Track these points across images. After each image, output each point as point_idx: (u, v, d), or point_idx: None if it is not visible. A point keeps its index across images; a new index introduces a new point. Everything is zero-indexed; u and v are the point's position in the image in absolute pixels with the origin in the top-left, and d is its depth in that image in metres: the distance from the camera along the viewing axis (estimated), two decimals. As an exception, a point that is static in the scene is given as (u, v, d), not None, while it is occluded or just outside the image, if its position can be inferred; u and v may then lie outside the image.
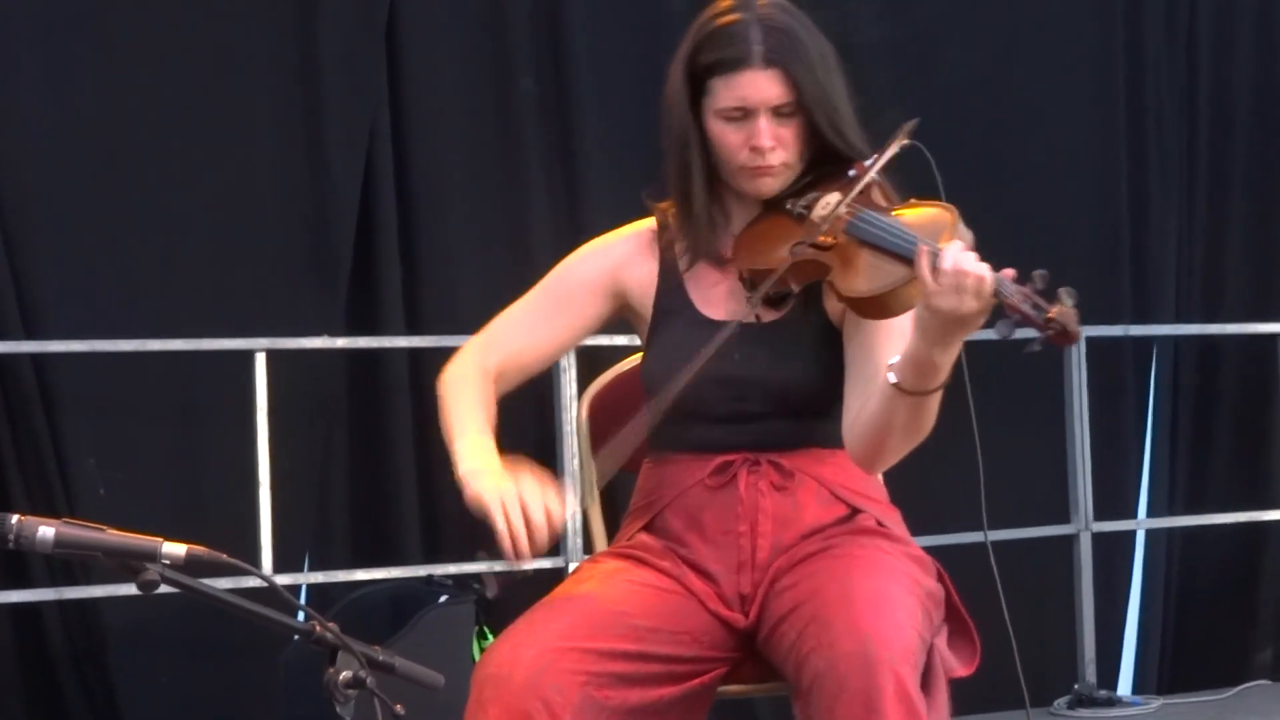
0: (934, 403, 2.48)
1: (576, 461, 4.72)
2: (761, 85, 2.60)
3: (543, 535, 2.53)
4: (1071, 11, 5.95)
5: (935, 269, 2.35)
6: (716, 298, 2.72)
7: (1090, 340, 5.58)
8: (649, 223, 2.82)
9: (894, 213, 2.56)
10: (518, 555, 2.51)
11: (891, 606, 2.44)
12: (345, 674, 1.98)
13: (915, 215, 2.55)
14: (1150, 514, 5.89)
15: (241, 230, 4.84)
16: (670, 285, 2.75)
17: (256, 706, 4.59)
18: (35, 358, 4.53)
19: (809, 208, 2.61)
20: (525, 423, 5.01)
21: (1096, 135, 5.95)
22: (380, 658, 2.02)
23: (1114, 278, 5.91)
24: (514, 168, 5.14)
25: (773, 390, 2.64)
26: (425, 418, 4.97)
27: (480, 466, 2.60)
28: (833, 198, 2.58)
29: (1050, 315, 2.35)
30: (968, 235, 2.48)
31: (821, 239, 2.55)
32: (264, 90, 4.88)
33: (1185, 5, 6.07)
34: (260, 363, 4.55)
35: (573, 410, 4.76)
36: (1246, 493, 6.01)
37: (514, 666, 2.45)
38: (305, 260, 4.89)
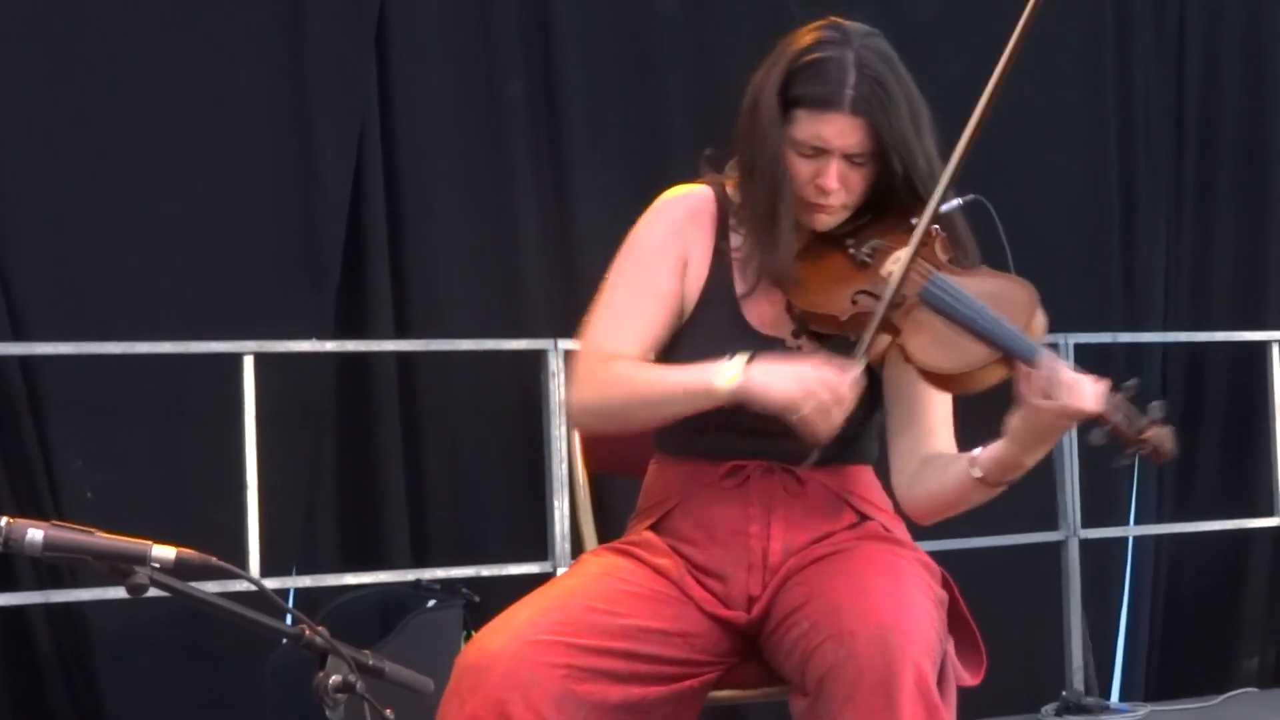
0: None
1: (565, 466, 4.73)
2: (845, 131, 2.58)
3: (840, 417, 2.49)
4: (1061, 21, 5.95)
5: (1032, 379, 2.41)
6: (764, 306, 2.68)
7: (1079, 347, 5.59)
8: (707, 194, 2.75)
9: (963, 278, 2.54)
10: (820, 442, 2.50)
11: (910, 602, 2.44)
12: (335, 678, 1.97)
13: (989, 287, 2.53)
14: (1139, 521, 5.89)
15: (231, 233, 4.83)
16: (720, 275, 2.70)
17: (245, 711, 4.58)
18: (23, 360, 4.51)
19: (873, 256, 2.58)
20: (511, 428, 5.02)
21: (1086, 144, 5.96)
22: (370, 662, 2.02)
23: (1103, 285, 5.92)
24: (503, 172, 5.14)
25: None
26: (413, 421, 4.97)
27: (761, 373, 2.50)
28: (902, 254, 2.54)
29: (1144, 435, 2.39)
30: (1043, 320, 2.51)
31: (894, 298, 2.51)
32: (254, 93, 4.88)
33: (1174, 16, 6.09)
34: (248, 365, 4.54)
35: (562, 414, 4.76)
36: (1234, 500, 6.02)
37: (494, 658, 2.45)
38: (295, 264, 4.88)
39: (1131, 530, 5.82)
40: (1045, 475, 5.58)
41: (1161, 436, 2.38)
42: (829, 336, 2.60)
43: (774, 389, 2.48)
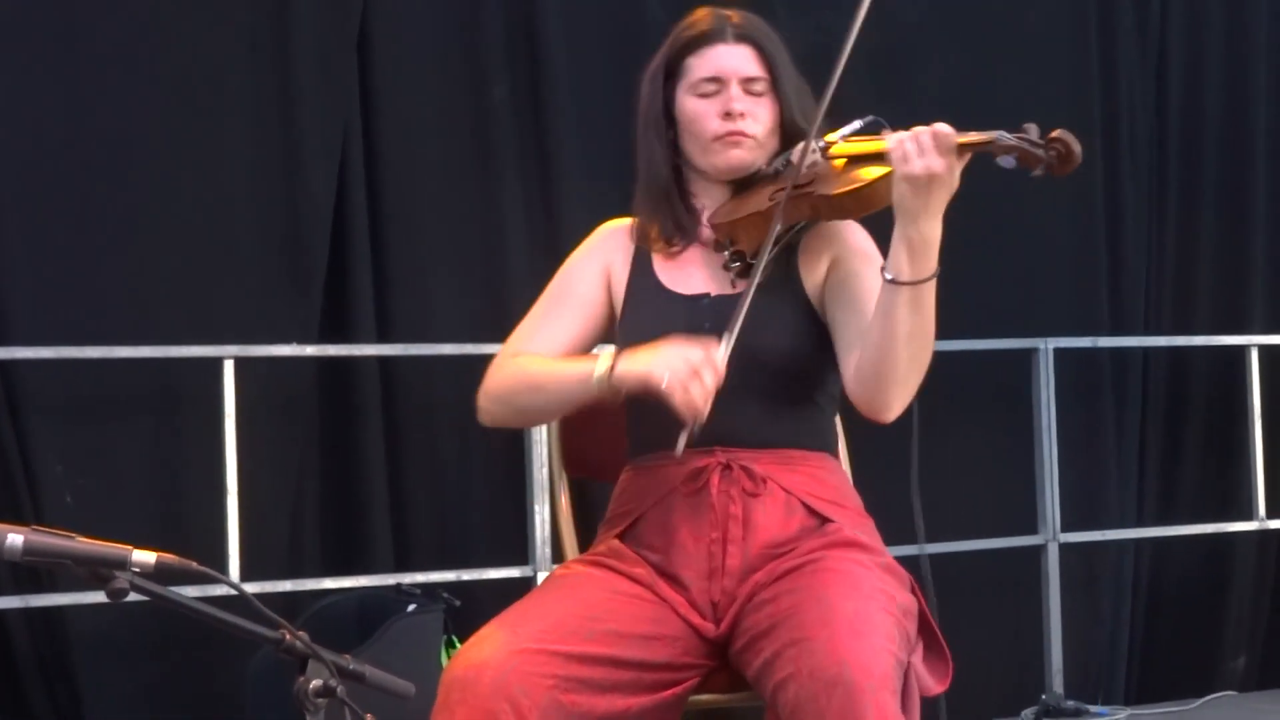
0: (931, 305, 2.54)
1: (546, 470, 4.73)
2: (734, 56, 2.76)
3: (710, 385, 2.52)
4: (1046, 28, 5.97)
5: (900, 139, 2.50)
6: (686, 273, 2.79)
7: (1059, 352, 5.60)
8: (625, 220, 2.91)
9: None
10: (694, 414, 2.52)
11: (870, 629, 2.43)
12: (315, 683, 1.97)
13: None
14: (1120, 525, 5.90)
15: (216, 237, 4.81)
16: (642, 269, 2.82)
17: (225, 716, 4.57)
18: (2, 364, 4.50)
19: (784, 165, 2.72)
20: (493, 433, 5.00)
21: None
22: (351, 667, 2.02)
23: (1088, 290, 5.93)
24: (488, 176, 5.14)
25: (746, 355, 2.62)
26: (396, 425, 4.96)
27: (624, 359, 2.61)
28: (801, 145, 2.68)
29: (1053, 136, 2.46)
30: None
31: (802, 178, 2.64)
32: (238, 97, 4.86)
33: (1156, 27, 6.10)
34: (229, 370, 4.54)
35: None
36: (1216, 504, 6.04)
37: (481, 669, 2.45)
38: (280, 268, 4.87)
39: (1111, 534, 5.83)
40: (1026, 480, 5.59)
41: (1064, 137, 2.45)
42: (755, 255, 2.67)
43: (636, 368, 2.56)
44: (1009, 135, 2.48)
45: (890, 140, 2.52)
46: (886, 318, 2.53)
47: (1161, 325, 6.07)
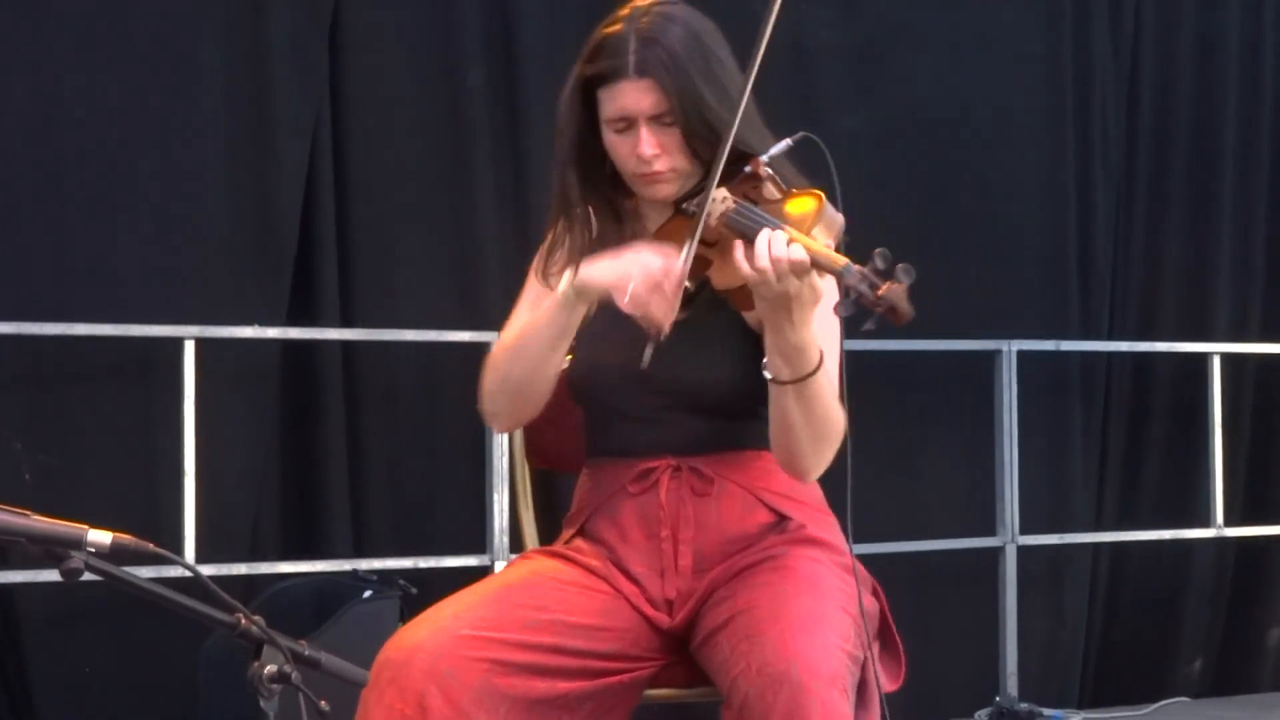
0: (820, 393, 2.49)
1: (506, 460, 4.72)
2: (636, 96, 2.62)
3: (671, 297, 2.49)
4: (1021, 28, 5.98)
5: (750, 257, 2.39)
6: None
7: (1021, 354, 5.61)
8: None
9: (770, 204, 2.54)
10: (657, 328, 2.50)
11: (822, 627, 2.43)
12: (270, 668, 1.95)
13: (791, 205, 2.53)
14: (1081, 529, 5.92)
15: (185, 218, 4.79)
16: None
17: (177, 696, 4.54)
18: (-39, 339, 4.48)
19: (699, 207, 2.58)
20: (456, 421, 4.99)
21: (1044, 155, 5.97)
22: (306, 653, 2.00)
23: (1057, 293, 5.94)
24: (460, 163, 5.11)
25: (683, 387, 2.64)
26: (357, 409, 4.94)
27: (586, 266, 2.57)
28: (720, 193, 2.56)
29: (880, 292, 2.29)
30: (837, 219, 2.48)
31: (706, 235, 2.54)
32: (209, 79, 4.83)
33: (1129, 31, 6.11)
34: (189, 350, 4.51)
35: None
36: (1175, 510, 6.06)
37: (414, 651, 2.46)
38: (249, 250, 4.84)
39: (1070, 538, 5.84)
40: (986, 482, 5.60)
41: (895, 293, 2.27)
42: (689, 296, 2.57)
43: (599, 272, 2.53)
44: (853, 269, 2.32)
45: (744, 265, 2.40)
46: (779, 410, 2.52)
47: (1126, 330, 6.08)
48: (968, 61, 5.89)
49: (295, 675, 1.96)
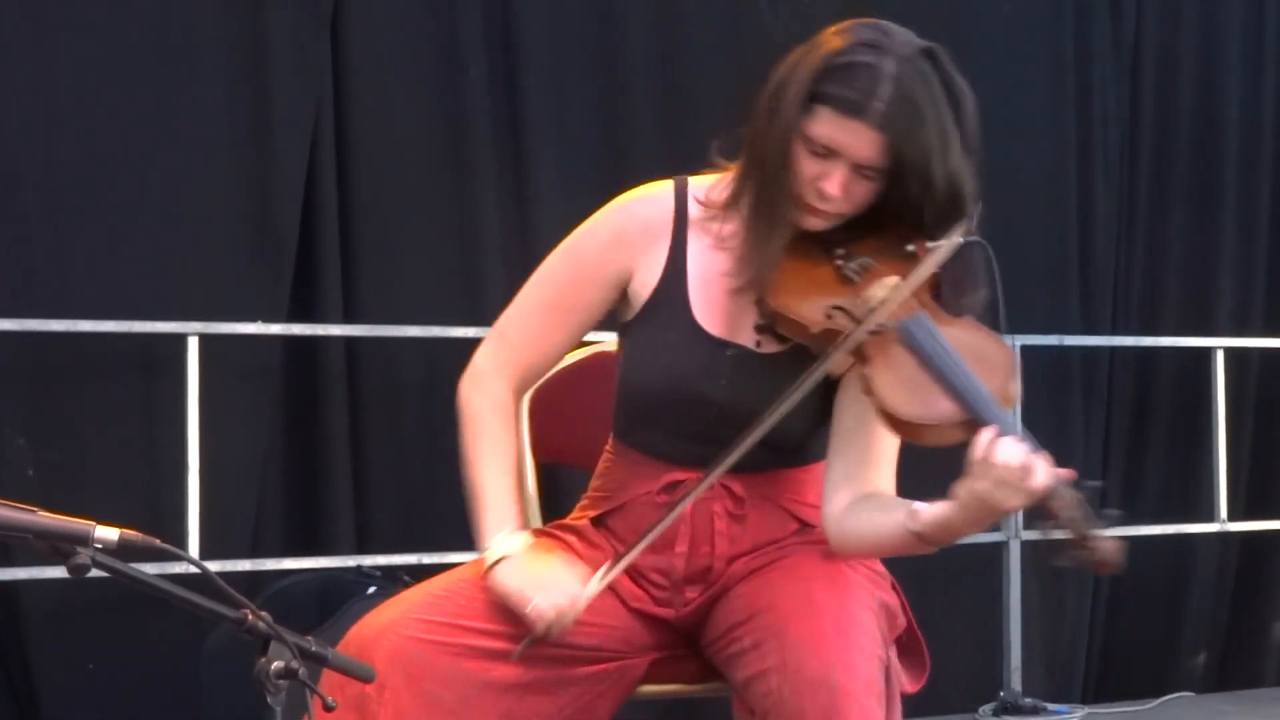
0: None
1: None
2: (863, 143, 2.43)
3: (567, 622, 2.48)
4: (1022, 30, 5.97)
5: (989, 454, 2.28)
6: (718, 309, 2.57)
7: (1026, 350, 5.60)
8: (666, 199, 2.64)
9: (947, 325, 2.39)
10: (543, 635, 2.48)
11: (856, 628, 2.40)
12: (277, 664, 1.95)
13: (971, 341, 2.38)
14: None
15: (187, 214, 4.79)
16: (673, 275, 2.59)
17: (182, 691, 4.54)
18: (-35, 335, 4.48)
19: (860, 274, 2.44)
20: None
21: (1046, 149, 5.97)
22: (313, 649, 2.00)
23: (1061, 289, 5.94)
24: (460, 158, 5.11)
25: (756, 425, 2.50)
26: (359, 405, 4.94)
27: (509, 569, 2.51)
28: (891, 281, 2.40)
29: (1090, 542, 2.21)
30: (1018, 386, 2.37)
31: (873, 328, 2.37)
32: (210, 72, 4.83)
33: (1130, 29, 6.11)
34: (193, 346, 4.52)
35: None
36: (1178, 505, 6.05)
37: (381, 632, 2.47)
38: (250, 246, 4.84)
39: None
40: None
41: (1109, 548, 2.21)
42: (790, 340, 2.49)
43: (510, 581, 2.49)
44: (1067, 493, 2.21)
45: (983, 441, 2.27)
46: (890, 542, 2.45)
47: (1129, 325, 6.08)
48: (967, 60, 5.86)
49: (302, 671, 1.96)
